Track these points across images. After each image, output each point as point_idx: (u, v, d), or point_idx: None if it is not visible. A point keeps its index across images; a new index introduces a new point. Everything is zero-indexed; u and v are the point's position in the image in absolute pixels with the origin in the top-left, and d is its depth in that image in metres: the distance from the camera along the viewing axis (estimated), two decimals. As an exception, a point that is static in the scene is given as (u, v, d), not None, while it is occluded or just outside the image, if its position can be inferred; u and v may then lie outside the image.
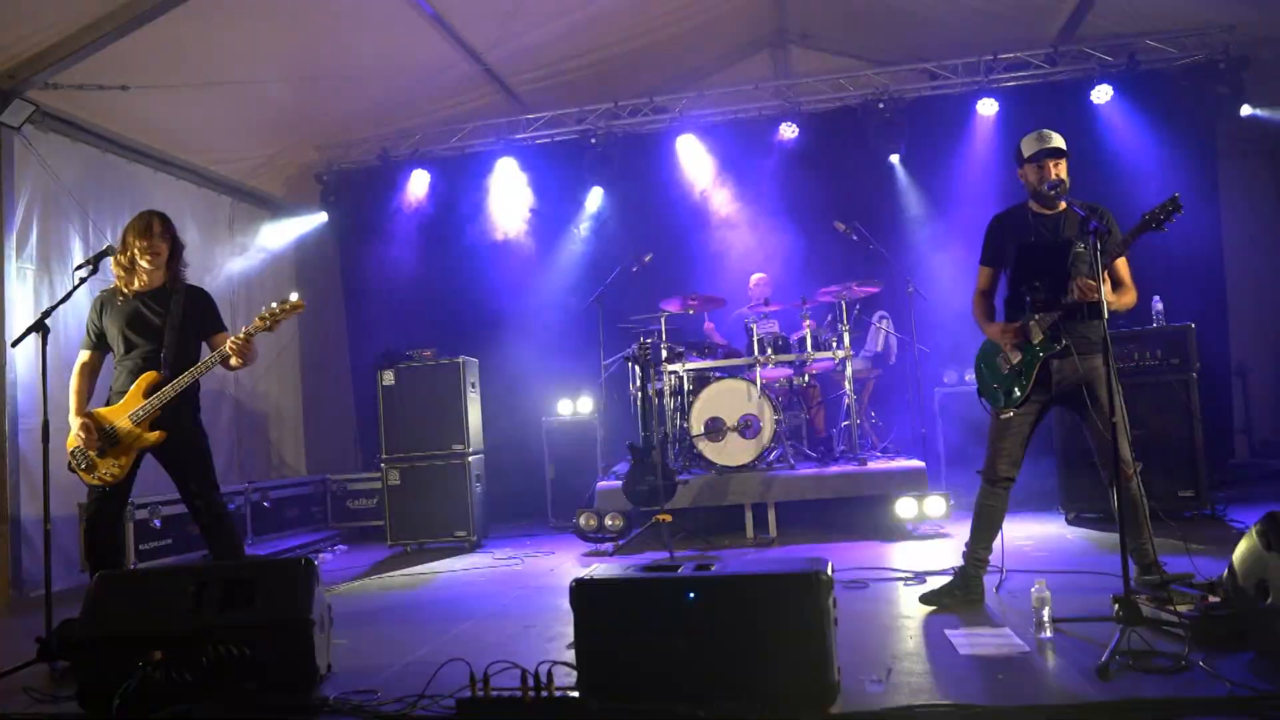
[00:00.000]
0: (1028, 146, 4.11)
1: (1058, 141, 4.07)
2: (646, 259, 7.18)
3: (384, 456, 7.02)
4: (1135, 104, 7.70)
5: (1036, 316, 4.04)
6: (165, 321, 4.23)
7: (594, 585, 3.11)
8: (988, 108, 7.88)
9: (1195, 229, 6.95)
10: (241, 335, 4.11)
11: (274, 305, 4.08)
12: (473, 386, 7.18)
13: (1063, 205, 4.10)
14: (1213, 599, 3.54)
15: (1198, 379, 5.92)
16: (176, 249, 4.33)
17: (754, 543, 6.22)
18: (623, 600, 3.11)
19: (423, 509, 6.94)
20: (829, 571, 3.04)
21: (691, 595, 3.02)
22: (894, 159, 8.24)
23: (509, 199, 8.69)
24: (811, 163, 8.19)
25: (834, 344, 6.71)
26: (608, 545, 6.43)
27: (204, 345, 4.38)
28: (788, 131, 8.14)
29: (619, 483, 6.39)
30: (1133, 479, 3.94)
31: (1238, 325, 7.97)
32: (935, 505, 6.02)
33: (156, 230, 4.25)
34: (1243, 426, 8.33)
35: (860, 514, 6.58)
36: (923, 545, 5.77)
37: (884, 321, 7.50)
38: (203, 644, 3.29)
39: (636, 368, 6.86)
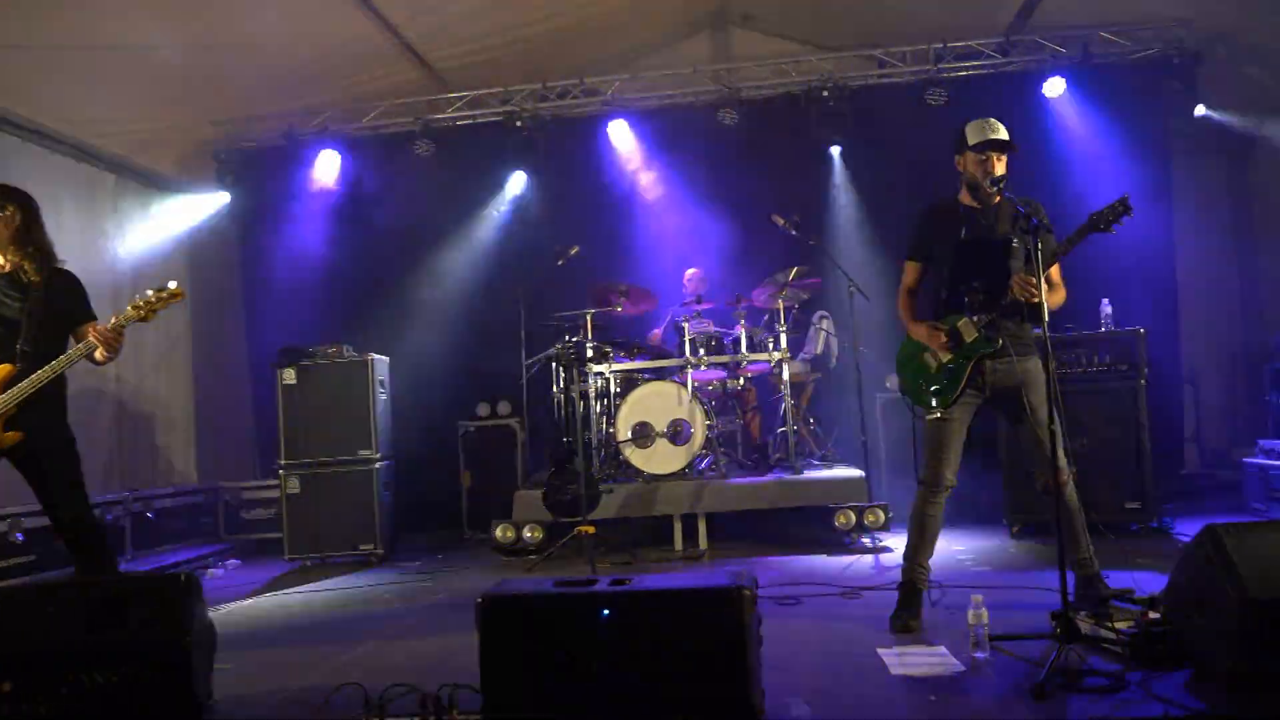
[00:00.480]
0: (973, 134, 4.16)
1: (1003, 134, 4.13)
2: (573, 251, 7.16)
3: (283, 463, 6.88)
4: (1088, 98, 7.91)
5: (972, 318, 4.11)
6: (23, 309, 4.05)
7: (501, 602, 3.09)
8: (937, 98, 8.00)
9: (1147, 230, 7.15)
10: (110, 325, 3.94)
11: (149, 293, 3.95)
12: (382, 386, 7.09)
13: (997, 199, 4.18)
14: (1153, 615, 3.64)
15: (1146, 386, 6.10)
16: (28, 225, 4.12)
17: (683, 556, 6.24)
18: (532, 618, 3.08)
19: (325, 520, 6.82)
20: (752, 587, 3.06)
21: (605, 613, 3.01)
22: (834, 151, 8.34)
23: (426, 184, 8.57)
24: (751, 152, 8.22)
25: (771, 345, 6.77)
26: (527, 558, 6.39)
27: (71, 337, 4.21)
28: (726, 118, 8.19)
29: (539, 492, 6.35)
30: (1067, 485, 4.03)
31: (1190, 331, 8.25)
32: (875, 516, 6.14)
33: None
34: (1193, 435, 8.64)
35: (797, 525, 6.66)
36: (861, 558, 5.86)
37: (824, 322, 7.60)
38: (63, 671, 3.17)
39: (560, 368, 6.82)
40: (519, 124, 8.38)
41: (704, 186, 8.29)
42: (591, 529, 5.96)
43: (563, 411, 6.47)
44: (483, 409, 7.94)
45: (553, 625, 3.05)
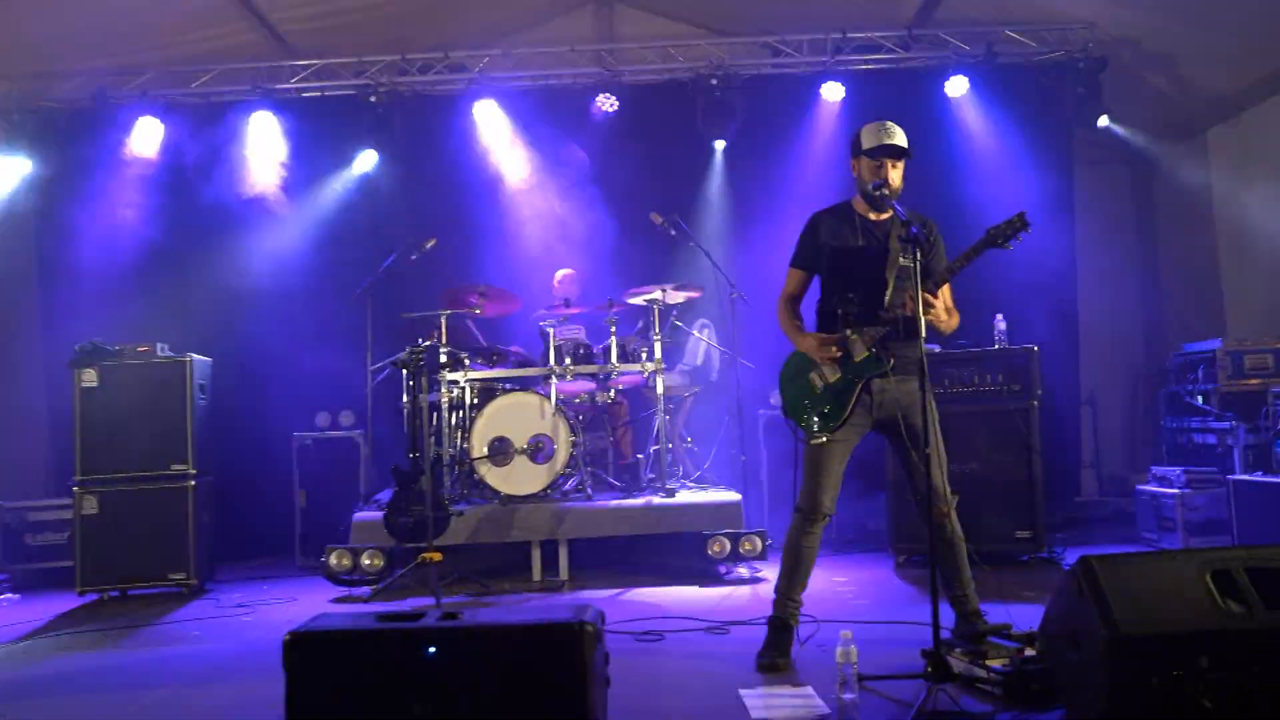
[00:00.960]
0: (868, 137, 4.28)
1: (900, 139, 4.27)
2: (429, 245, 7.10)
3: (78, 478, 6.57)
4: (991, 100, 8.24)
5: (865, 330, 4.21)
6: None
7: (311, 640, 3.02)
8: (833, 92, 8.21)
9: (1048, 242, 7.45)
10: None
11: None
12: (202, 391, 6.85)
13: (889, 211, 4.30)
14: (1029, 652, 3.79)
15: (1039, 407, 6.34)
16: None
17: (541, 586, 6.23)
18: (348, 657, 3.03)
19: (128, 546, 6.50)
20: (597, 622, 3.06)
21: (432, 650, 2.97)
22: (718, 146, 8.44)
23: (262, 161, 8.33)
24: (632, 143, 8.24)
25: (645, 355, 6.80)
26: (364, 590, 6.26)
27: None
28: (605, 104, 8.19)
29: (380, 514, 6.24)
30: (948, 515, 4.17)
31: (1089, 350, 8.67)
32: (751, 544, 6.23)
33: None
34: (1091, 461, 9.08)
35: (668, 554, 6.71)
36: (736, 590, 5.93)
37: (705, 331, 7.65)
38: None
39: (410, 375, 6.73)
40: (373, 99, 8.21)
41: (578, 178, 8.25)
42: (438, 556, 5.88)
43: (412, 424, 6.36)
44: (322, 419, 7.76)
45: (370, 665, 2.99)
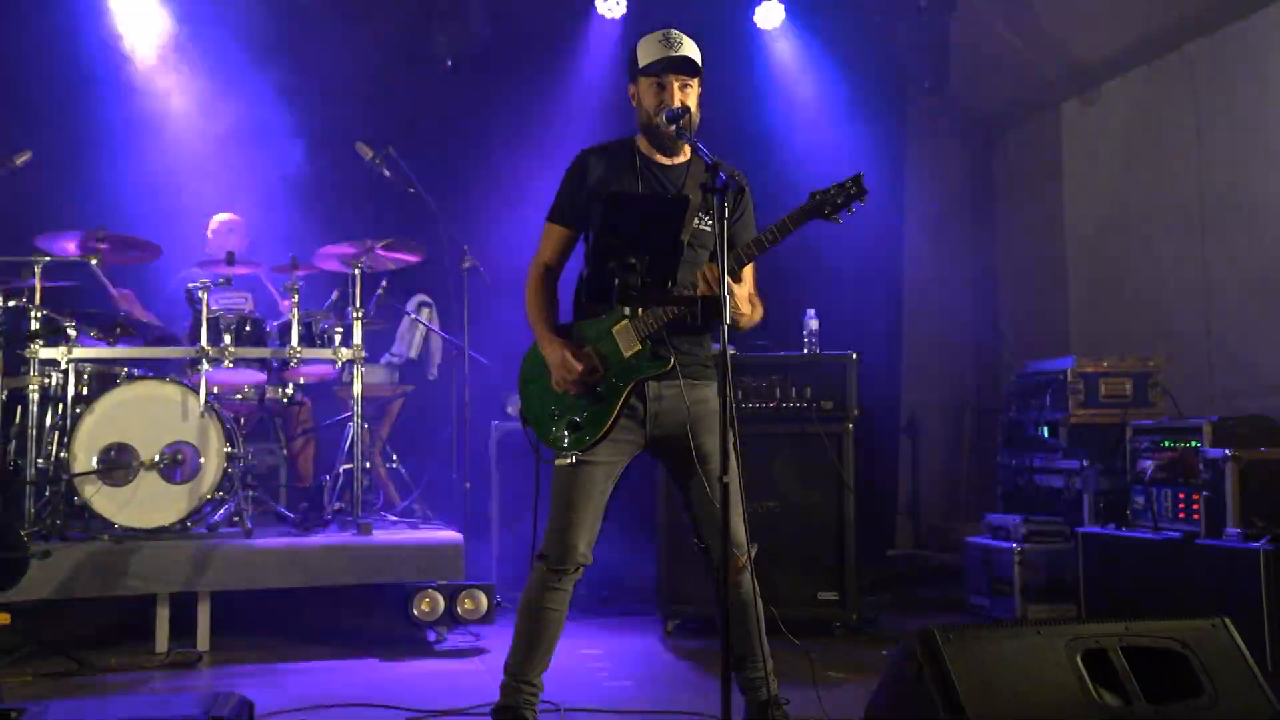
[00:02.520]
0: (645, 51, 4.13)
1: (689, 50, 4.12)
2: (20, 159, 6.64)
3: None
4: (812, 37, 8.39)
5: (634, 314, 4.04)
6: None
7: None
8: (611, 8, 8.16)
9: (872, 220, 7.56)
10: None
11: None
12: None
13: (687, 152, 4.17)
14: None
15: (854, 431, 6.38)
16: None
17: (168, 662, 5.82)
18: None
19: None
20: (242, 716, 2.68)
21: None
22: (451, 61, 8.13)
23: None
24: (336, 33, 7.94)
25: (338, 339, 6.63)
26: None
27: None
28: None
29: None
30: (745, 570, 4.06)
31: (912, 361, 8.97)
32: (473, 603, 6.08)
33: None
34: (909, 505, 9.32)
35: (359, 614, 6.53)
36: (449, 665, 5.81)
37: (425, 311, 7.58)
38: None
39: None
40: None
41: (251, 80, 7.84)
42: (4, 617, 5.36)
43: None
44: None
45: None
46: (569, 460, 4.07)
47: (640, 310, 4.04)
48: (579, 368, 4.00)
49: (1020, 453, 7.72)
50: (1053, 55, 8.62)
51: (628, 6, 8.15)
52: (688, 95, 4.11)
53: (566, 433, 4.09)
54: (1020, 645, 3.32)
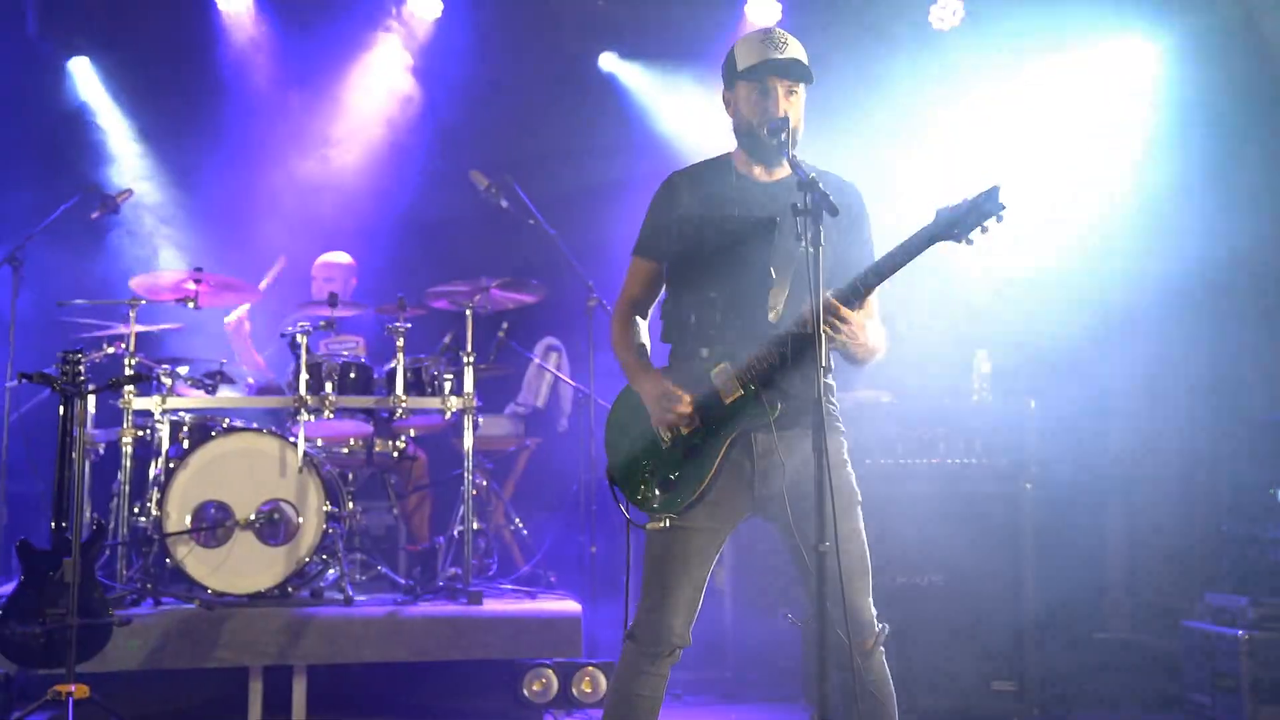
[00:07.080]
0: (745, 53, 3.90)
1: (796, 51, 3.86)
2: (121, 197, 6.80)
3: None
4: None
5: (738, 358, 3.75)
6: None
7: None
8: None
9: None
10: None
11: None
12: None
13: (784, 168, 3.87)
14: None
15: (1032, 491, 6.12)
16: None
17: None
18: None
19: None
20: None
21: None
22: (608, 63, 8.36)
23: None
24: (457, 57, 8.09)
25: (448, 385, 6.53)
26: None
27: None
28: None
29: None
30: (874, 653, 3.76)
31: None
32: (592, 685, 6.01)
33: None
34: (1125, 579, 8.66)
35: (466, 691, 6.49)
36: None
37: (553, 357, 7.64)
38: None
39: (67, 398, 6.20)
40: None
41: (365, 107, 8.21)
42: (84, 690, 5.22)
43: (59, 476, 5.73)
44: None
45: None
46: (661, 524, 3.83)
47: (735, 352, 3.79)
48: (684, 398, 3.74)
49: (1251, 519, 7.07)
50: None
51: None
52: (793, 102, 3.88)
53: (658, 491, 3.88)
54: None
